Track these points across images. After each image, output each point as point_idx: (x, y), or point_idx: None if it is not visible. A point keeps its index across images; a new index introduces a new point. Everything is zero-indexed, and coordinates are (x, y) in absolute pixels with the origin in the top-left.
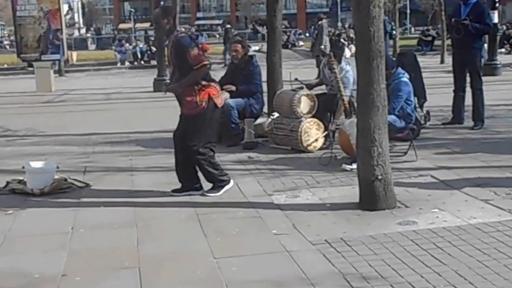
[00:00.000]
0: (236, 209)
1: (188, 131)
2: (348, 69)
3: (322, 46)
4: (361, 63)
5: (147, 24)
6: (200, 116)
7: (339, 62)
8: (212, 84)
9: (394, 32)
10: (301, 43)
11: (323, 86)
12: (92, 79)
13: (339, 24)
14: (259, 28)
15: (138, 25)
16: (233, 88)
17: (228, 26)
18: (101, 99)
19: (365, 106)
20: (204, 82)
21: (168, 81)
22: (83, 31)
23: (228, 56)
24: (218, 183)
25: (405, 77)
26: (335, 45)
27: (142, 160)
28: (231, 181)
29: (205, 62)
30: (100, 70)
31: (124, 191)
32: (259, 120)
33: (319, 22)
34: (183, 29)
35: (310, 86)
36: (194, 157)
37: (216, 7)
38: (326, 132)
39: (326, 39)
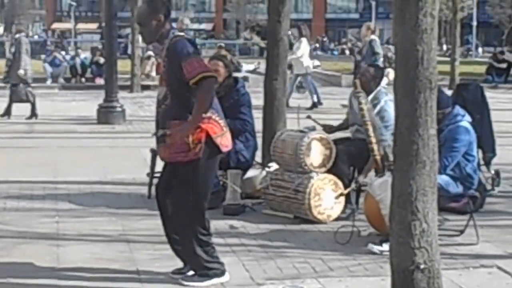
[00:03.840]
0: None
1: (173, 183)
2: (384, 103)
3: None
4: (402, 97)
5: (93, 25)
6: (191, 166)
7: (370, 92)
8: (213, 116)
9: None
10: (317, 62)
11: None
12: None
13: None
14: (256, 38)
15: (80, 25)
16: None
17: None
18: (20, 132)
19: (404, 161)
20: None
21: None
22: None
23: None
24: (205, 271)
25: (466, 121)
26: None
27: (74, 224)
28: (226, 274)
29: (207, 74)
30: None
31: (45, 268)
32: (249, 174)
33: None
34: (179, 33)
35: (329, 129)
36: (179, 224)
37: (196, 5)
38: (346, 195)
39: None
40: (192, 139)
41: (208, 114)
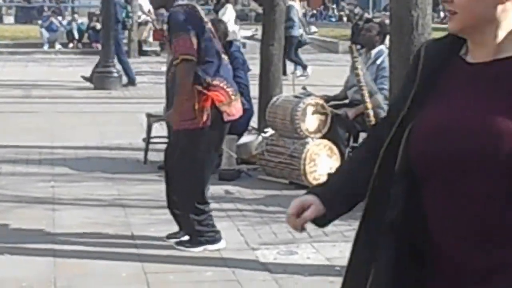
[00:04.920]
0: (203, 267)
1: (177, 149)
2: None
3: None
4: (396, 63)
5: None
6: (195, 133)
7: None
8: (221, 84)
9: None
10: (314, 28)
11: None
12: (5, 67)
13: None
14: (254, 4)
15: None
16: None
17: None
18: (16, 97)
19: None
20: (208, 79)
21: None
22: None
23: None
24: (198, 237)
25: None
26: (357, 33)
27: (70, 188)
28: (222, 241)
29: (186, 57)
30: (18, 54)
31: (40, 232)
32: (245, 139)
33: None
34: (182, 2)
35: (325, 100)
36: (176, 191)
37: None
38: (341, 161)
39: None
40: (197, 107)
41: (216, 82)
